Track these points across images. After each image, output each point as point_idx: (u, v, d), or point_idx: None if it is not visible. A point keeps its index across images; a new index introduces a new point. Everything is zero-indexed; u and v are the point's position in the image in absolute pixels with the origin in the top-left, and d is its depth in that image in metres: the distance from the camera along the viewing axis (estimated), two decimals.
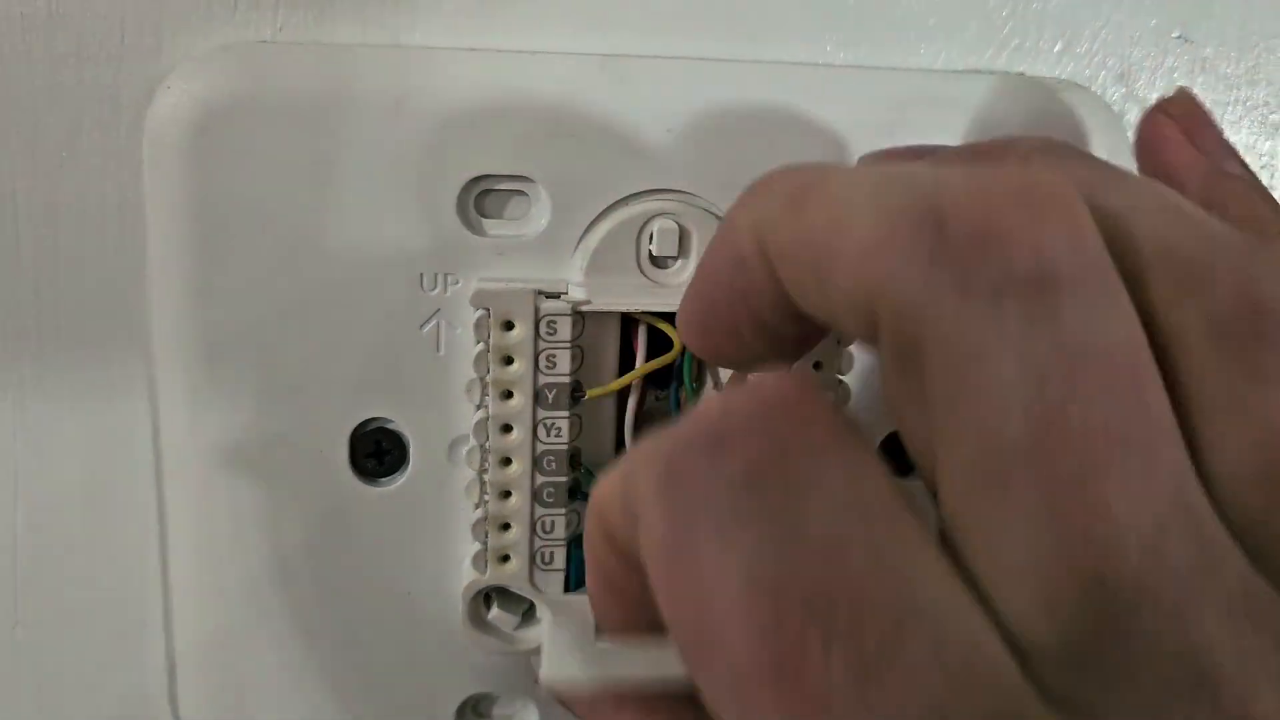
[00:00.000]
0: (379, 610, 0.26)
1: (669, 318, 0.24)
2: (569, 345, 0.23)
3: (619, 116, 0.24)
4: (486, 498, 0.24)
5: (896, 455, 0.26)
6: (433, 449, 0.25)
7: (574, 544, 0.25)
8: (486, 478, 0.24)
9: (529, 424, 0.23)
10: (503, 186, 0.24)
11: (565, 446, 0.24)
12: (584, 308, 0.23)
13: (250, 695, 0.26)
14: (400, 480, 0.25)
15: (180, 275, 0.24)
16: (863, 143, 0.24)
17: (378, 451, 0.25)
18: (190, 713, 0.27)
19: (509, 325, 0.23)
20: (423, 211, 0.24)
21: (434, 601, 0.26)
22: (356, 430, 0.25)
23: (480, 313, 0.23)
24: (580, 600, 0.25)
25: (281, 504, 0.25)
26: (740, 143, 0.24)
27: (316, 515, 0.25)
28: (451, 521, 0.25)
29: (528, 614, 0.25)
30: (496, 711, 0.28)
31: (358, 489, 0.25)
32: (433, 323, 0.24)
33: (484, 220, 0.24)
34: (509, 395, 0.23)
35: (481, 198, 0.24)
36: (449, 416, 0.25)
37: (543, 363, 0.23)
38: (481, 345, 0.23)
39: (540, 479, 0.24)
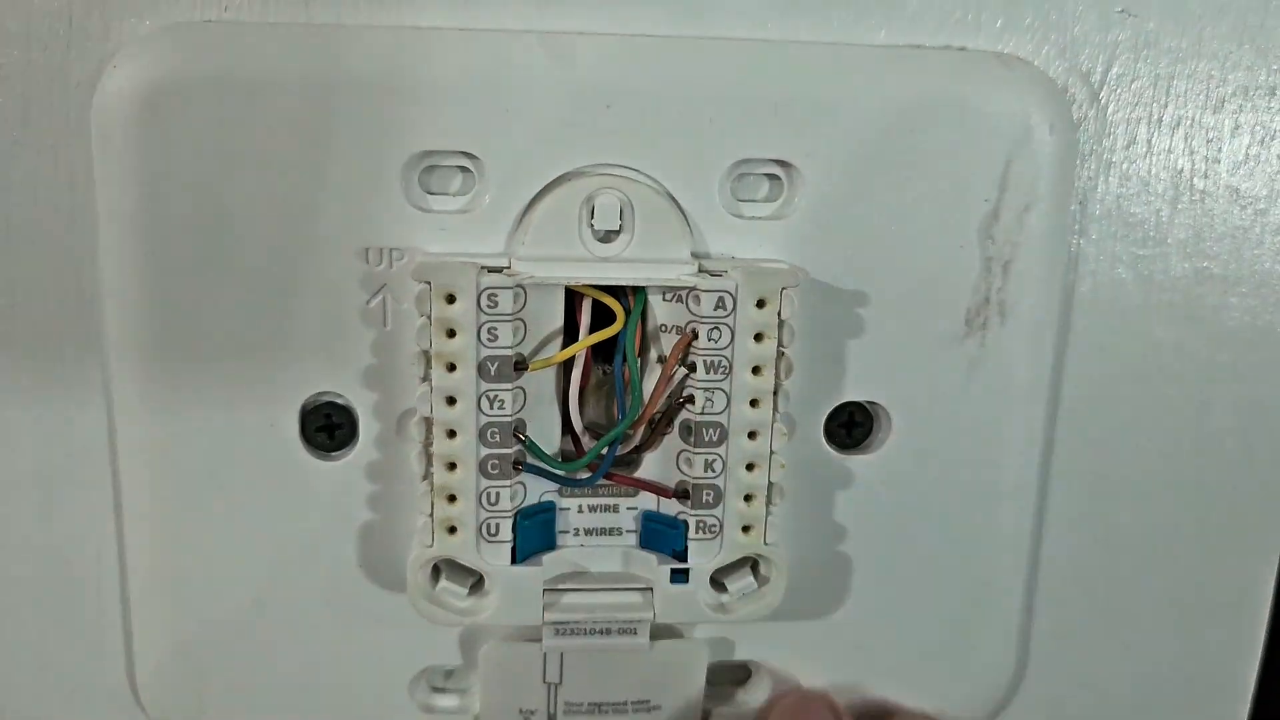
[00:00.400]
0: (332, 583, 0.26)
1: (613, 291, 0.24)
2: (511, 318, 0.23)
3: (560, 93, 0.24)
4: (433, 470, 0.24)
5: (847, 427, 0.27)
6: (382, 422, 0.26)
7: (519, 516, 0.25)
8: (432, 450, 0.24)
9: (472, 396, 0.24)
10: (447, 163, 0.24)
11: (509, 419, 0.24)
12: (526, 281, 0.24)
13: (208, 673, 0.27)
14: (351, 454, 0.26)
15: (131, 253, 0.24)
16: (802, 119, 0.24)
17: (328, 425, 0.26)
18: (149, 695, 0.27)
19: (451, 298, 0.23)
20: (368, 188, 0.24)
21: (385, 574, 0.26)
22: (307, 405, 0.25)
23: (422, 286, 0.23)
24: (525, 572, 0.25)
25: (234, 478, 0.25)
26: (680, 118, 0.24)
27: (269, 489, 0.26)
28: (401, 494, 0.26)
29: (476, 586, 0.26)
30: (449, 684, 0.28)
31: (309, 463, 0.26)
32: (379, 298, 0.25)
33: (429, 196, 0.25)
34: (452, 368, 0.24)
35: (426, 174, 0.24)
36: (397, 390, 0.25)
37: (485, 335, 0.23)
38: (424, 318, 0.23)
39: (485, 451, 0.24)
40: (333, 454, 0.26)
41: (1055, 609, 0.29)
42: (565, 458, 0.26)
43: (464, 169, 0.24)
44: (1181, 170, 0.27)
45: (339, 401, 0.25)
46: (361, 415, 0.25)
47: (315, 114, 0.23)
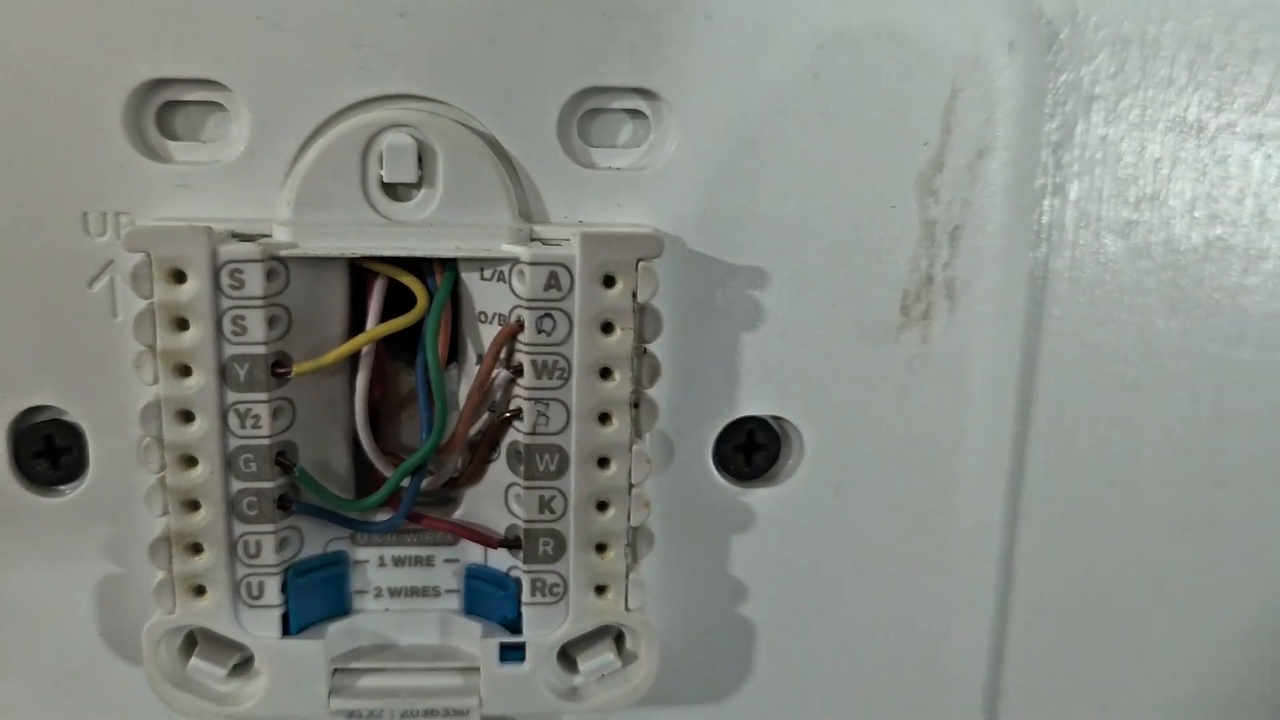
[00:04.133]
0: (62, 657, 0.20)
1: (413, 267, 0.18)
2: (264, 303, 0.17)
3: (338, 1, 0.18)
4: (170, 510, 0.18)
5: (745, 451, 0.20)
6: (117, 445, 0.19)
7: (293, 572, 0.19)
8: (169, 482, 0.18)
9: (214, 411, 0.17)
10: (190, 97, 0.18)
11: (266, 441, 0.18)
12: (285, 252, 0.17)
13: None
14: (80, 488, 0.19)
15: None
16: (671, 31, 0.18)
17: (50, 450, 0.19)
18: None
19: (179, 276, 0.17)
20: (83, 130, 0.18)
21: (131, 645, 0.20)
22: (18, 423, 0.19)
23: (139, 258, 0.17)
24: (304, 647, 0.19)
25: None
26: (501, 29, 0.18)
27: None
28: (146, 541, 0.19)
29: (244, 665, 0.19)
30: None
31: (25, 500, 0.19)
32: (104, 279, 0.19)
33: (168, 143, 0.18)
34: (185, 371, 0.17)
35: (165, 113, 0.18)
36: (136, 402, 0.19)
37: (228, 327, 0.17)
38: (146, 303, 0.17)
39: (236, 485, 0.18)
40: (58, 488, 0.20)
41: (1029, 682, 0.23)
42: (363, 494, 0.19)
43: (214, 105, 0.18)
44: (1188, 107, 0.20)
45: (63, 419, 0.19)
46: (91, 436, 0.19)
47: (13, 32, 0.17)
